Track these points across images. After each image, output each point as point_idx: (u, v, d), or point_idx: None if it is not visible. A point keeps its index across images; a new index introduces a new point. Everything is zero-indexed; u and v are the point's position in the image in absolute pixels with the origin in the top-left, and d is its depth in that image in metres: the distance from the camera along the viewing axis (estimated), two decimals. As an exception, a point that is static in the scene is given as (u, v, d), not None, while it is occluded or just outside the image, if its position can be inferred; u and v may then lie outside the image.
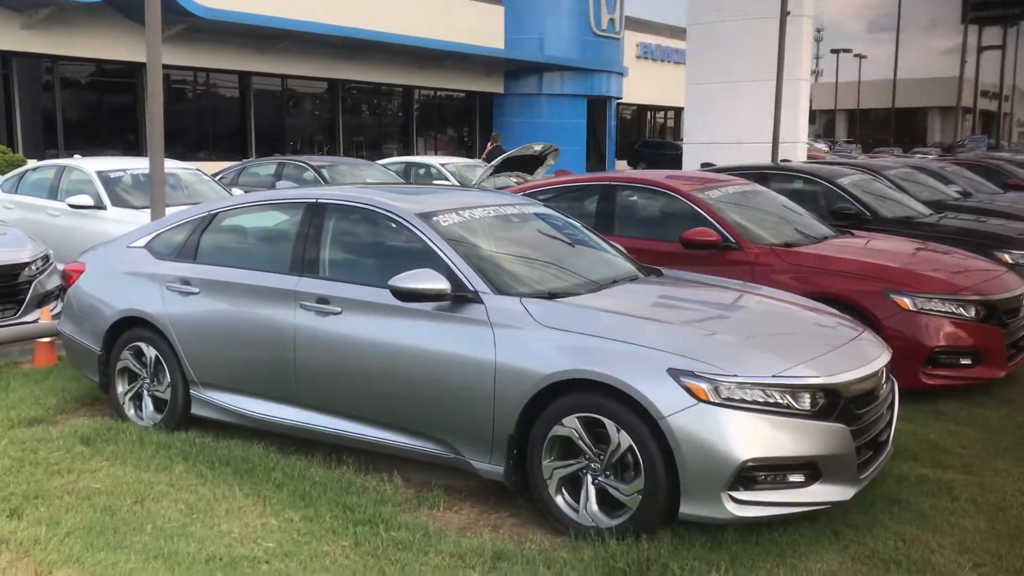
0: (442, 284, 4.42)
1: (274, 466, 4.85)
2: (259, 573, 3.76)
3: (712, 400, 3.88)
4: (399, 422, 4.67)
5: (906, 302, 5.99)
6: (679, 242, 6.67)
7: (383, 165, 15.19)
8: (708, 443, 3.85)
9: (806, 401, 3.98)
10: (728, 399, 3.89)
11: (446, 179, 15.41)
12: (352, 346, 4.75)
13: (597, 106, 37.70)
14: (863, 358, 4.36)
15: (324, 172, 12.85)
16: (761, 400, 3.92)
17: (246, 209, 5.60)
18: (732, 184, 7.51)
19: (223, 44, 27.45)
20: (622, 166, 37.98)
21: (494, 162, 14.35)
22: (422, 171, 16.38)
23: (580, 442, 4.15)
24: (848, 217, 8.40)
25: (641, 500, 4.00)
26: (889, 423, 4.58)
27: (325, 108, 33.71)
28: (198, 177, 11.50)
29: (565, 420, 4.17)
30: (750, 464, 3.85)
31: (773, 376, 3.95)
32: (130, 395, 5.72)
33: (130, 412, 5.70)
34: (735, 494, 3.88)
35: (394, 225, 4.87)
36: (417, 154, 31.97)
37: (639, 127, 46.45)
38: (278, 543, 4.03)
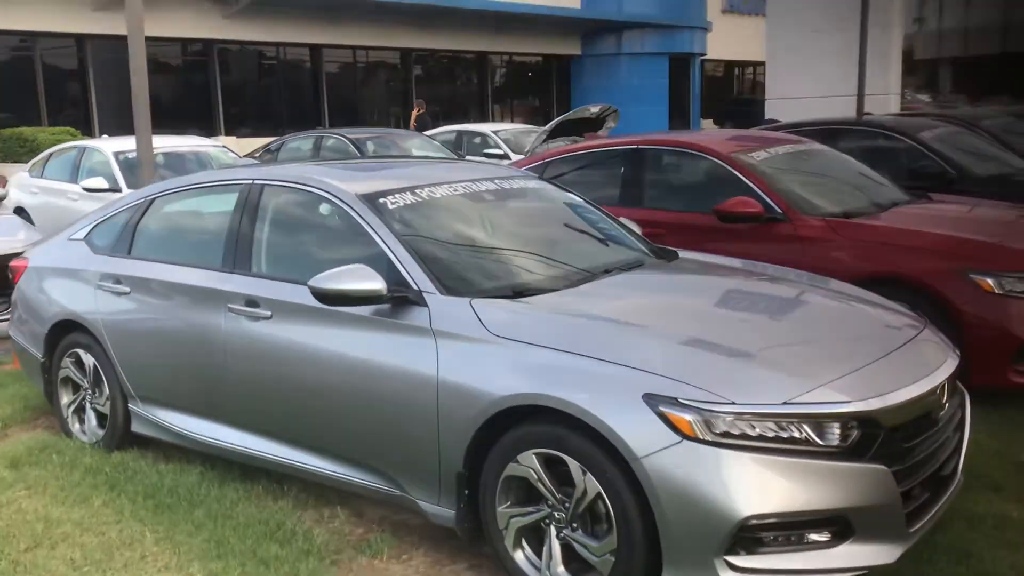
0: (374, 284, 3.54)
1: (201, 501, 4.09)
2: (121, 659, 3.00)
3: (701, 437, 2.91)
4: (339, 449, 3.84)
5: (990, 283, 4.84)
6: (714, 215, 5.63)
7: (430, 136, 14.33)
8: (696, 494, 2.89)
9: (832, 435, 2.98)
10: (724, 435, 2.92)
11: (499, 147, 14.48)
12: (284, 357, 3.94)
13: (680, 64, 36.05)
14: (916, 369, 3.31)
15: (364, 145, 12.07)
16: (770, 435, 2.93)
17: (183, 193, 4.80)
18: (784, 144, 6.39)
19: (292, 16, 26.99)
20: (708, 126, 36.35)
21: (547, 127, 13.35)
22: (477, 140, 15.47)
23: (540, 485, 3.25)
24: (929, 177, 7.16)
25: (614, 563, 3.08)
26: (957, 448, 3.54)
27: (399, 79, 33.09)
28: (226, 154, 10.88)
29: (521, 457, 3.26)
30: (753, 522, 2.89)
31: (785, 403, 2.96)
32: (73, 408, 5.05)
33: (74, 427, 5.04)
34: (733, 560, 2.92)
35: (333, 209, 4.01)
36: (494, 122, 31.01)
37: (728, 85, 44.48)
38: (164, 612, 3.26)
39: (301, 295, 3.85)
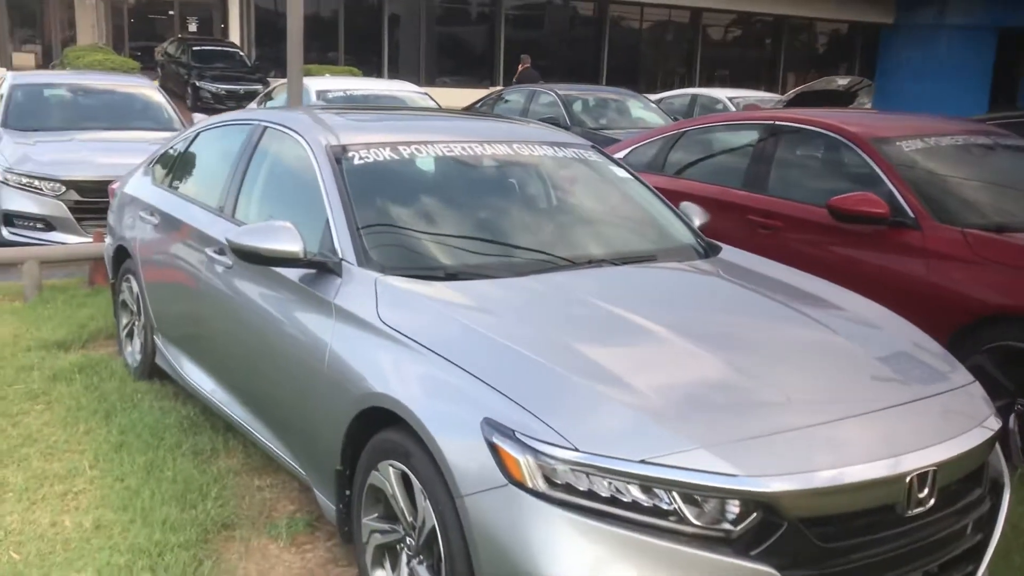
0: (289, 245, 3.16)
1: (156, 447, 3.98)
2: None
3: (529, 485, 2.30)
4: (269, 414, 3.57)
5: None
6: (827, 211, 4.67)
7: (657, 100, 13.50)
8: (513, 555, 2.30)
9: (714, 515, 2.25)
10: (566, 488, 2.28)
11: (733, 116, 13.40)
12: (234, 312, 3.71)
13: (1011, 40, 31.78)
14: (886, 443, 2.44)
15: (576, 105, 11.57)
16: (626, 501, 2.26)
17: (218, 130, 4.64)
18: (957, 133, 5.18)
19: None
20: (1032, 113, 31.91)
21: (785, 96, 12.23)
22: (719, 106, 14.43)
23: (394, 502, 2.78)
24: None
25: (443, 612, 2.56)
26: (975, 553, 2.62)
27: (686, 39, 32.02)
28: (426, 101, 10.90)
29: (380, 466, 2.80)
30: (570, 610, 2.24)
31: (643, 462, 2.26)
32: (126, 331, 5.16)
33: (126, 349, 5.16)
34: (553, 647, 2.30)
35: (303, 158, 3.68)
36: (784, 92, 29.15)
37: (1072, 67, 38.76)
38: (24, 559, 3.15)
39: (256, 247, 3.58)
